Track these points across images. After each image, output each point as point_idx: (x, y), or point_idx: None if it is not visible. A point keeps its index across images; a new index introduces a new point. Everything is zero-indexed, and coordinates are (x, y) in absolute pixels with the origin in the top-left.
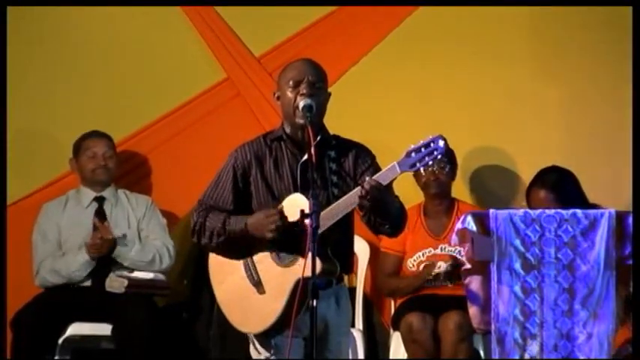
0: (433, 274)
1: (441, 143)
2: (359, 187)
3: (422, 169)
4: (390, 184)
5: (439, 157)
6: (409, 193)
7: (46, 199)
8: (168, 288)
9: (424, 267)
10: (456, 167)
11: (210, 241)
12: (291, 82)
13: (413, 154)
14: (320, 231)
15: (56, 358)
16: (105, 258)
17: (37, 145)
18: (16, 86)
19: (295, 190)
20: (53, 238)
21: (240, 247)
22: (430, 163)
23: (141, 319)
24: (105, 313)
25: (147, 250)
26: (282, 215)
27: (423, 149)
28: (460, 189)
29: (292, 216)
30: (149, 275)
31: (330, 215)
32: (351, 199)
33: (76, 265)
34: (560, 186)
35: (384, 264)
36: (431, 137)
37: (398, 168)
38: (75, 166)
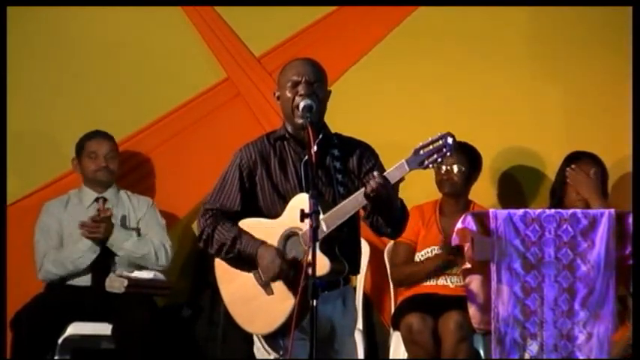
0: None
1: (450, 140)
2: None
3: (431, 166)
4: (397, 183)
5: (448, 154)
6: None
7: (46, 199)
8: (168, 288)
9: (436, 254)
10: (478, 171)
11: (219, 254)
12: (289, 83)
13: (421, 152)
14: (328, 230)
15: (56, 358)
16: (105, 258)
17: (37, 145)
18: (16, 86)
19: (301, 189)
20: (55, 233)
21: (249, 262)
22: (439, 160)
23: (141, 319)
24: (105, 313)
25: (142, 244)
26: (287, 265)
27: (431, 146)
28: None
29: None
30: (149, 275)
31: (337, 215)
32: (358, 198)
33: (78, 252)
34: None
35: (396, 253)
36: (439, 134)
37: (407, 166)
38: (77, 166)
